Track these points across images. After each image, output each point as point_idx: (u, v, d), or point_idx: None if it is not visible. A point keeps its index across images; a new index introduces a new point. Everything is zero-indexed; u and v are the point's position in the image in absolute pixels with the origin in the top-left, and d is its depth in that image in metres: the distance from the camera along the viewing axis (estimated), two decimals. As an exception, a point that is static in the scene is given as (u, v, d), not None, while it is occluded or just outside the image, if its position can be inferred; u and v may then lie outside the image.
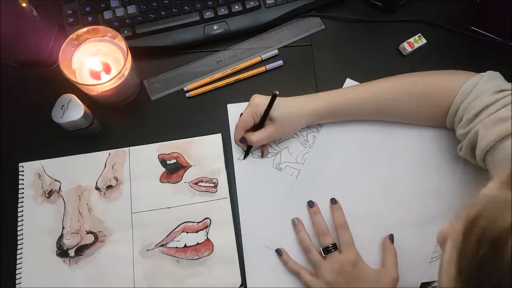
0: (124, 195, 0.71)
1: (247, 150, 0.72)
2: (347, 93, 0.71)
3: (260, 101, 0.67)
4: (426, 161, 0.73)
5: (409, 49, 0.79)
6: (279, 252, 0.68)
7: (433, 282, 0.66)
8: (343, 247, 0.65)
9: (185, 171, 0.72)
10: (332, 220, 0.68)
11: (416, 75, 0.70)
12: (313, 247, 0.66)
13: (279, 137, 0.72)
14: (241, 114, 0.70)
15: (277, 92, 0.64)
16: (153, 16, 0.77)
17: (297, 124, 0.70)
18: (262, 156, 0.73)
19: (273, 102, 0.65)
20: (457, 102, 0.64)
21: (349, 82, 0.77)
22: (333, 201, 0.70)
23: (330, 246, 0.65)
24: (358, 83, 0.76)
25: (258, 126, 0.69)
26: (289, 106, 0.68)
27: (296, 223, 0.69)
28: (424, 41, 0.79)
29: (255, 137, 0.68)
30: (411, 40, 0.79)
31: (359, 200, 0.70)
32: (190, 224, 0.69)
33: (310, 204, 0.70)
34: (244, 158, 0.73)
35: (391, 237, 0.67)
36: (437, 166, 0.72)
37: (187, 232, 0.68)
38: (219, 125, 0.75)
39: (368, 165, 0.73)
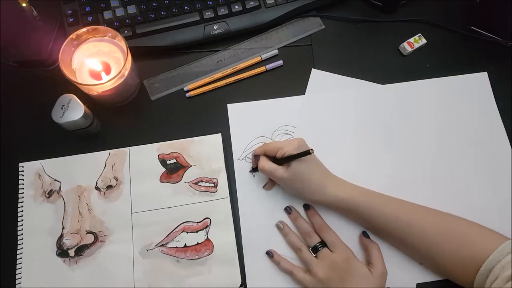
0: (124, 195, 0.70)
1: (255, 168, 0.70)
2: (373, 199, 0.65)
3: (295, 144, 0.64)
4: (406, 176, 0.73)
5: (409, 49, 0.79)
6: (270, 254, 0.68)
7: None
8: (332, 247, 0.65)
9: (185, 171, 0.72)
10: (312, 226, 0.68)
11: (450, 216, 0.64)
12: (303, 246, 0.66)
13: (281, 183, 0.67)
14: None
15: (312, 151, 0.61)
16: (153, 16, 0.77)
17: (303, 191, 0.66)
18: (263, 187, 0.71)
19: (301, 156, 0.62)
20: (493, 260, 0.57)
21: (315, 73, 0.78)
22: (306, 207, 0.70)
23: (317, 244, 0.65)
24: (325, 72, 0.77)
25: (276, 161, 0.66)
26: (313, 172, 0.65)
27: (281, 227, 0.69)
28: (424, 41, 0.79)
29: (263, 163, 0.66)
30: (411, 40, 0.79)
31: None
32: (190, 224, 0.69)
33: (288, 210, 0.70)
34: (250, 171, 0.72)
35: (364, 234, 0.68)
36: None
37: (187, 232, 0.68)
38: (219, 125, 0.75)
39: (368, 168, 0.73)
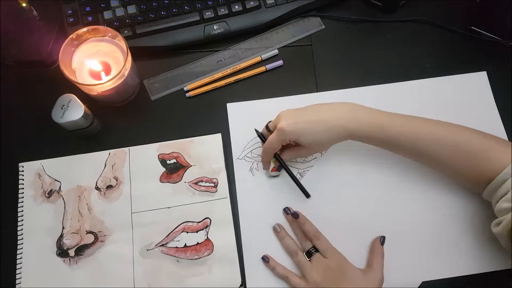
0: (124, 195, 0.70)
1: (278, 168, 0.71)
2: (383, 119, 0.64)
3: (287, 129, 0.63)
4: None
5: None
6: (265, 259, 0.67)
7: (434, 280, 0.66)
8: (325, 254, 0.65)
9: (185, 171, 0.72)
10: (302, 234, 0.68)
11: (468, 130, 0.63)
12: (299, 250, 0.66)
13: (308, 155, 0.70)
14: (262, 135, 0.69)
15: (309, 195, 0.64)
16: (153, 16, 0.77)
17: (328, 143, 0.66)
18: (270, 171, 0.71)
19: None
20: (506, 174, 0.57)
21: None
22: (295, 215, 0.68)
23: (311, 249, 0.65)
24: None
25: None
26: (315, 126, 0.63)
27: (278, 230, 0.69)
28: None
29: (289, 155, 0.67)
30: None
31: (358, 199, 0.71)
32: (190, 224, 0.69)
33: (286, 211, 0.69)
34: (272, 176, 0.72)
35: (382, 239, 0.67)
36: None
37: (187, 232, 0.68)
38: (219, 125, 0.75)
39: (368, 167, 0.73)
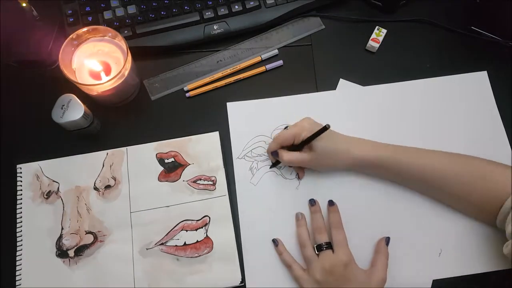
0: (123, 195, 0.70)
1: (276, 163, 0.71)
2: (398, 153, 0.66)
3: (307, 126, 0.66)
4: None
5: (376, 45, 0.79)
6: (275, 242, 0.68)
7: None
8: (336, 247, 0.64)
9: (183, 170, 0.71)
10: (327, 220, 0.68)
11: (473, 158, 0.66)
12: (308, 243, 0.66)
13: (311, 167, 0.69)
14: (286, 127, 0.70)
15: (329, 126, 0.61)
16: (153, 16, 0.77)
17: (335, 163, 0.67)
18: (298, 178, 0.72)
19: (321, 133, 0.63)
20: None
21: (342, 82, 0.77)
22: (331, 203, 0.69)
23: (323, 244, 0.65)
24: (351, 83, 0.77)
25: (295, 148, 0.67)
26: (335, 143, 0.66)
27: (299, 218, 0.69)
28: (384, 31, 0.80)
29: (287, 156, 0.66)
30: (374, 36, 0.79)
31: (363, 198, 0.70)
32: (189, 222, 0.69)
33: (312, 202, 0.70)
34: (271, 167, 0.72)
35: (387, 240, 0.67)
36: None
37: (187, 230, 0.68)
38: (219, 125, 0.75)
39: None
